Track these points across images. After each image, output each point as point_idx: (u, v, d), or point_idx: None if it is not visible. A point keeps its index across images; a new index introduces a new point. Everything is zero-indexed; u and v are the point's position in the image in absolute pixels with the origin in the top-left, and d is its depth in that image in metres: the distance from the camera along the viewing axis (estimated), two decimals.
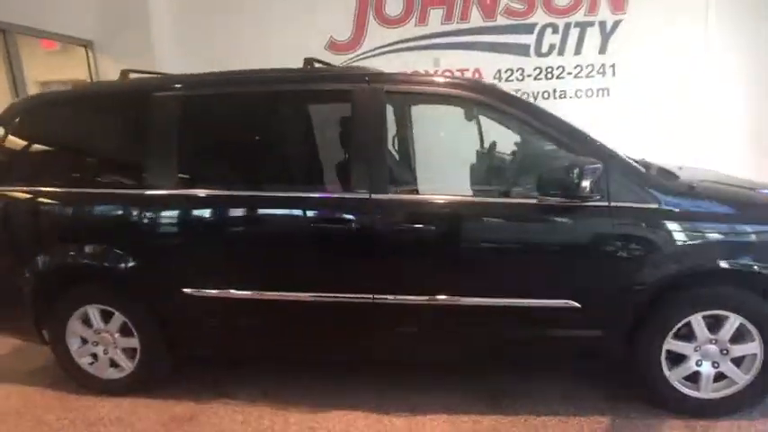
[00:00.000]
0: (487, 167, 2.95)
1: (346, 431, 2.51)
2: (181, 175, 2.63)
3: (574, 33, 5.38)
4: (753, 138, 5.19)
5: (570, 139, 2.39)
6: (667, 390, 2.46)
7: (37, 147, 2.95)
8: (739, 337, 2.38)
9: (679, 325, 2.39)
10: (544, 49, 5.43)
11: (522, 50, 5.45)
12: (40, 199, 2.80)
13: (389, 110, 2.50)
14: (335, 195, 2.51)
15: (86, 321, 2.85)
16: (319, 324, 2.63)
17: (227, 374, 3.05)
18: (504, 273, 2.47)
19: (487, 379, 2.86)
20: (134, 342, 2.82)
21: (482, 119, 2.59)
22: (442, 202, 2.47)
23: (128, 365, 2.86)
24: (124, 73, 3.00)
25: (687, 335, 2.41)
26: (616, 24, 5.30)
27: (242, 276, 2.63)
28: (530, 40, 5.45)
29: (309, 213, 2.53)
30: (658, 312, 2.39)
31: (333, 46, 5.75)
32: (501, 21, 5.45)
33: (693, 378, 2.45)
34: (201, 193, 2.62)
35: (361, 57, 5.69)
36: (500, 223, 2.46)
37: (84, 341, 2.88)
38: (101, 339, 2.85)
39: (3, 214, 2.85)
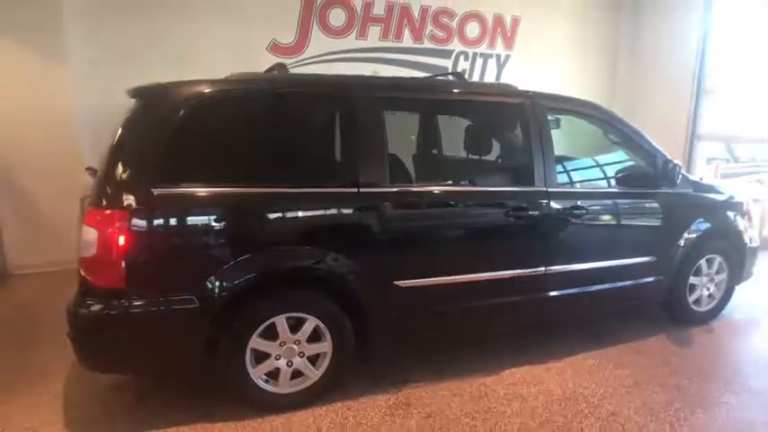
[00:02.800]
0: (604, 166, 3.82)
1: (539, 380, 3.06)
2: (390, 174, 2.75)
3: (480, 62, 6.66)
4: None
5: (652, 148, 3.49)
6: (689, 309, 3.82)
7: (215, 142, 2.58)
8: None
9: (698, 264, 3.75)
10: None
11: (442, 72, 6.43)
12: (229, 201, 2.50)
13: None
14: (525, 189, 3.07)
15: (269, 335, 2.64)
16: (508, 298, 3.10)
17: (368, 368, 3.11)
18: (623, 240, 3.44)
19: (574, 327, 3.76)
20: (324, 347, 2.75)
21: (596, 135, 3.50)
22: (592, 191, 3.30)
23: (314, 374, 2.76)
24: (281, 66, 2.88)
25: (699, 270, 3.79)
26: (507, 58, 6.80)
27: (453, 263, 2.91)
28: (448, 63, 6.51)
29: (507, 204, 3.00)
30: (690, 257, 3.68)
31: (275, 48, 5.72)
32: (427, 44, 6.36)
33: (698, 301, 3.87)
34: (415, 189, 2.82)
35: (306, 62, 5.81)
36: (621, 207, 3.40)
37: (263, 357, 2.66)
38: (284, 351, 2.69)
39: (178, 218, 2.44)
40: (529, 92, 3.16)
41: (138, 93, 2.59)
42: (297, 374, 2.75)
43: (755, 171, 10.56)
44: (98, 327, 2.43)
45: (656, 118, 6.87)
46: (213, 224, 2.50)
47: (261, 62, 5.43)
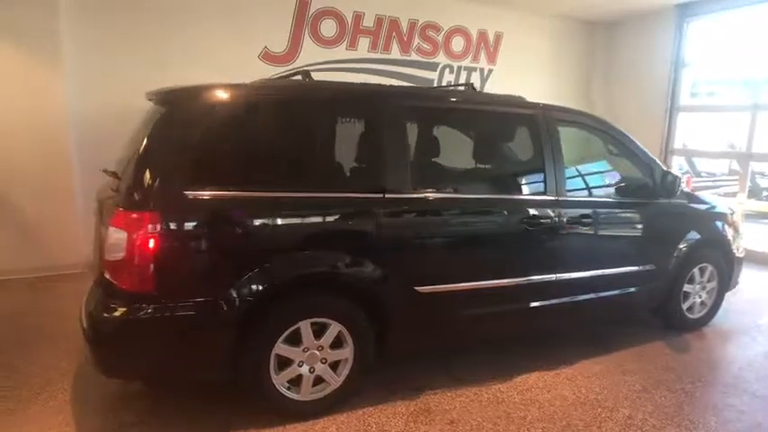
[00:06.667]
0: (605, 176, 3.90)
1: (552, 386, 3.08)
2: (414, 180, 2.75)
3: (464, 74, 6.77)
4: None
5: (651, 160, 3.61)
6: (683, 316, 3.94)
7: (244, 146, 2.53)
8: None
9: (692, 272, 3.88)
10: (443, 84, 6.64)
11: (428, 84, 6.52)
12: (258, 205, 2.44)
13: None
14: (537, 198, 3.12)
15: (293, 341, 2.58)
16: (522, 304, 3.12)
17: (381, 375, 3.06)
18: (627, 248, 3.54)
19: (576, 333, 3.83)
20: (345, 353, 2.69)
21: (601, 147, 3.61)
22: (598, 201, 3.38)
23: (335, 380, 2.70)
24: (305, 73, 2.87)
25: (692, 279, 3.93)
26: (490, 72, 6.95)
27: (470, 269, 2.93)
28: (434, 75, 6.59)
29: (522, 212, 3.04)
30: (685, 265, 3.81)
31: (267, 56, 5.67)
32: (414, 57, 6.43)
33: (691, 308, 3.99)
34: (436, 196, 2.83)
35: (296, 70, 5.75)
36: (625, 216, 3.51)
37: (286, 364, 2.59)
38: (307, 357, 2.62)
39: (208, 222, 2.36)
40: (539, 103, 3.23)
41: (163, 96, 2.52)
42: (318, 381, 2.68)
43: (716, 185, 11.16)
44: (122, 331, 2.32)
45: (631, 132, 7.14)
46: (242, 228, 2.43)
47: (252, 69, 5.42)
